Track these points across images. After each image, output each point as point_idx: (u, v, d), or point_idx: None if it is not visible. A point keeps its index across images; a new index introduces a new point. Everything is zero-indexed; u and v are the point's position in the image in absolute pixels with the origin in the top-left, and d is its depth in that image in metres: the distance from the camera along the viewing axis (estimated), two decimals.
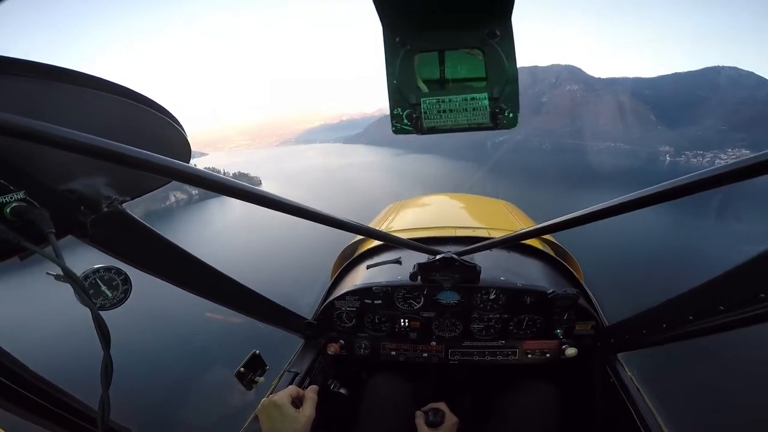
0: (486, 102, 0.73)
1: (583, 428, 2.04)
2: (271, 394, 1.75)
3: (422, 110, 0.74)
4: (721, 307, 1.12)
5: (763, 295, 0.96)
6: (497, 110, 0.74)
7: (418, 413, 1.88)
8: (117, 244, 1.03)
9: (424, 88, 0.74)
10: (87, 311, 0.73)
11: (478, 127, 0.75)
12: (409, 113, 0.76)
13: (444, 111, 0.74)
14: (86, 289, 0.77)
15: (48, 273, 0.78)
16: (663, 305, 1.46)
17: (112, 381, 0.73)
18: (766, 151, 0.60)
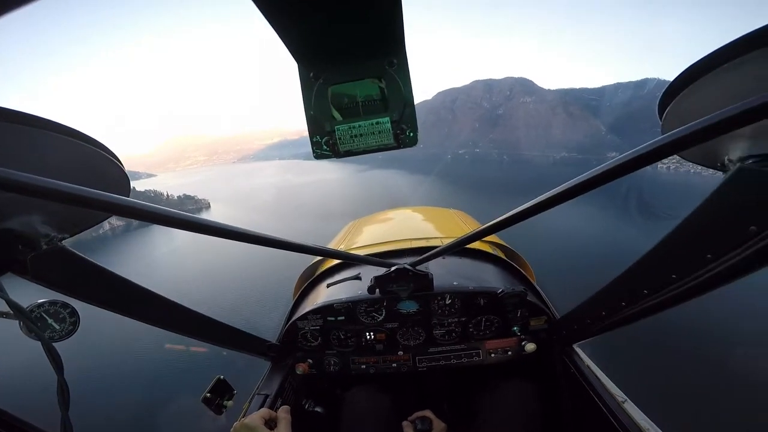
0: (388, 125, 0.80)
1: (555, 418, 2.10)
2: (242, 416, 1.78)
3: (337, 137, 0.81)
4: (645, 291, 1.18)
5: (674, 275, 1.03)
6: (398, 131, 0.82)
7: (406, 423, 1.90)
8: (60, 279, 1.03)
9: (337, 116, 0.81)
10: (31, 345, 0.74)
11: (386, 147, 0.83)
12: (327, 140, 0.82)
13: (355, 136, 0.81)
14: (34, 320, 0.79)
15: None
16: (598, 293, 1.50)
17: (75, 409, 0.75)
18: (643, 145, 0.67)
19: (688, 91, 0.78)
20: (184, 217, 0.87)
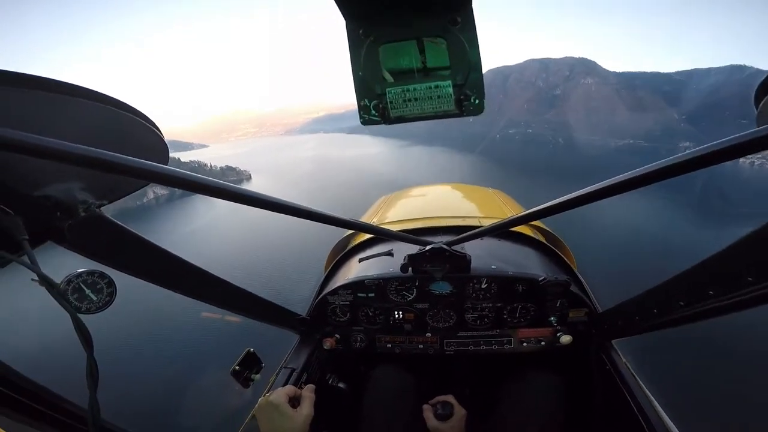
0: (450, 89, 0.72)
1: (583, 416, 2.05)
2: (268, 390, 1.81)
3: (388, 100, 0.74)
4: (711, 292, 1.10)
5: (750, 278, 0.94)
6: (462, 97, 0.74)
7: (426, 407, 1.88)
8: (97, 248, 1.02)
9: (389, 78, 0.74)
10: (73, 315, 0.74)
11: (445, 115, 0.76)
12: (376, 104, 0.76)
13: (409, 100, 0.74)
14: (64, 293, 0.78)
15: (33, 279, 0.80)
16: (653, 290, 1.44)
17: (107, 381, 0.75)
18: (731, 137, 0.60)
19: None
20: (220, 185, 0.85)
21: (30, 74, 0.68)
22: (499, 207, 3.66)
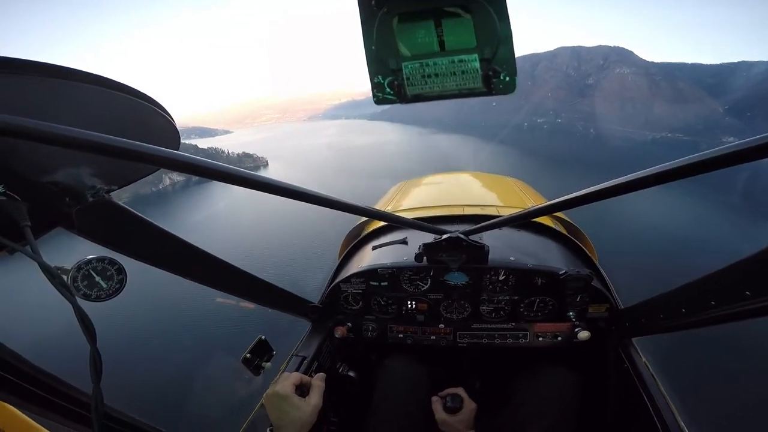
0: (476, 63, 0.64)
1: (597, 414, 2.01)
2: (278, 378, 1.80)
3: (404, 76, 0.66)
4: (748, 293, 1.05)
5: None
6: (490, 73, 0.65)
7: (435, 399, 1.87)
8: (106, 233, 1.01)
9: (405, 51, 0.66)
10: (87, 303, 0.73)
11: (470, 93, 0.67)
12: (391, 81, 0.68)
13: (429, 76, 0.65)
14: (65, 283, 0.76)
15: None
16: (682, 288, 1.39)
17: (117, 368, 0.91)
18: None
19: None
20: (231, 170, 0.84)
21: (38, 61, 0.67)
22: (518, 196, 3.56)
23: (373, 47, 0.66)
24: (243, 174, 0.86)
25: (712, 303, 1.22)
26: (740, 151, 0.62)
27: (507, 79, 0.66)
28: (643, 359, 1.79)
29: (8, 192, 0.75)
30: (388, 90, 0.69)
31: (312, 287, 2.47)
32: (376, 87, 0.69)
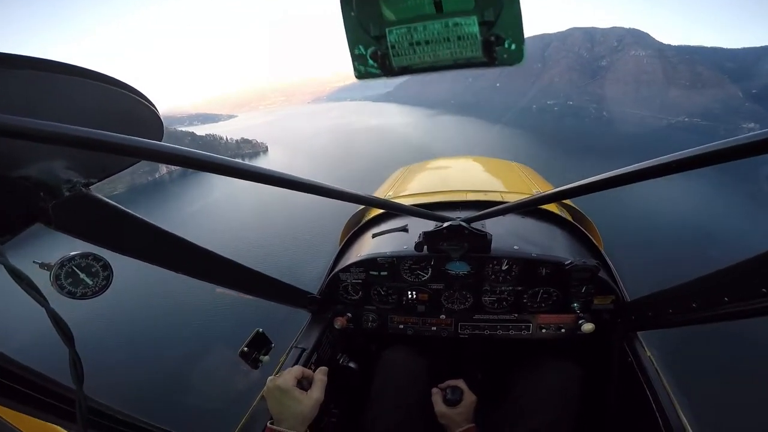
0: (475, 28, 0.52)
1: (599, 408, 2.00)
2: (278, 370, 1.83)
3: (389, 44, 0.55)
4: (764, 289, 1.03)
5: None
6: (492, 39, 0.53)
7: (435, 390, 1.87)
8: (86, 228, 0.98)
9: (389, 15, 0.54)
10: (79, 300, 0.70)
11: (468, 63, 0.56)
12: (374, 51, 0.56)
13: (418, 43, 0.54)
14: (34, 285, 0.73)
15: (35, 261, 0.76)
16: (694, 282, 1.37)
17: (108, 365, 0.90)
18: None
19: None
20: (218, 160, 0.81)
21: (7, 53, 0.63)
22: (523, 182, 3.44)
23: (353, 12, 0.55)
24: (232, 164, 0.83)
25: (726, 299, 1.19)
26: (754, 142, 0.57)
27: (513, 47, 0.54)
28: (648, 353, 1.76)
29: None
30: (371, 62, 0.58)
31: (309, 278, 2.39)
32: (356, 59, 0.58)
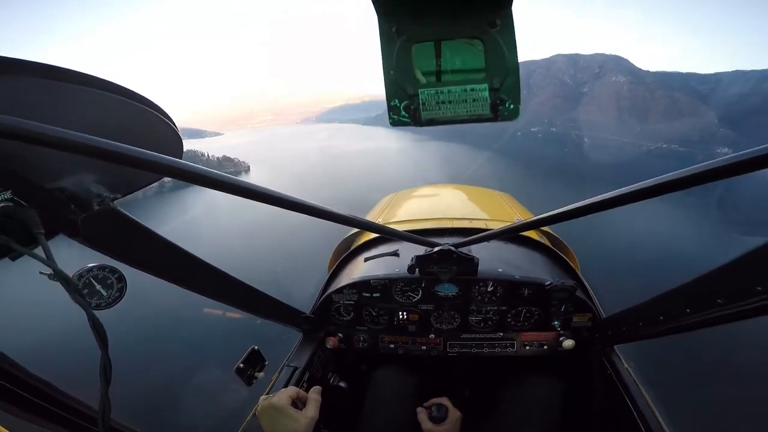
0: (486, 93, 0.70)
1: (583, 420, 2.09)
2: (270, 388, 1.89)
3: (420, 101, 0.72)
4: (719, 300, 1.11)
5: (760, 288, 0.97)
6: (498, 101, 0.72)
7: (420, 409, 1.92)
8: (110, 242, 1.02)
9: (422, 79, 0.72)
10: (82, 310, 0.75)
11: (479, 119, 0.74)
12: (407, 105, 0.73)
13: (443, 102, 0.71)
14: (80, 290, 0.77)
15: (41, 273, 0.78)
16: (660, 297, 1.47)
17: (111, 379, 0.74)
18: (761, 147, 0.61)
19: None
20: (231, 180, 0.86)
21: (46, 63, 0.67)
22: (506, 210, 3.68)
23: (392, 72, 0.71)
24: (241, 184, 0.88)
25: (687, 310, 1.29)
26: (730, 164, 0.64)
27: (512, 106, 0.73)
28: (626, 366, 1.88)
29: (15, 198, 0.74)
30: (403, 113, 0.74)
31: (300, 298, 2.48)
32: (392, 109, 0.75)
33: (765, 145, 0.61)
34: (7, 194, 0.73)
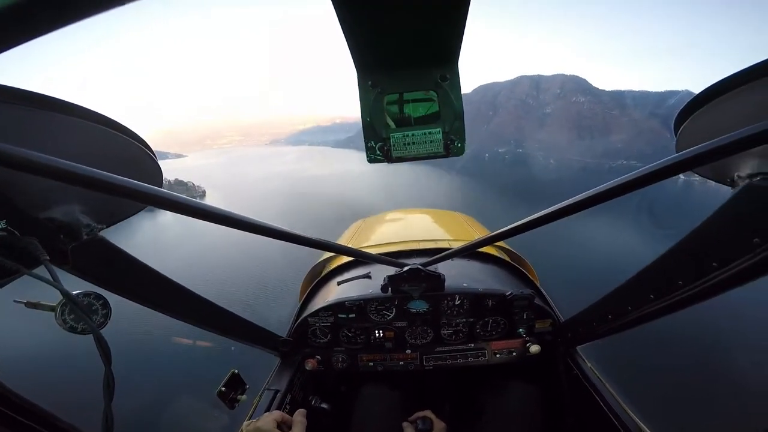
0: (440, 135, 0.87)
1: (558, 420, 2.19)
2: (252, 412, 1.91)
3: (391, 143, 0.88)
4: (651, 296, 1.26)
5: (681, 282, 1.09)
6: (448, 141, 0.88)
7: (406, 424, 1.97)
8: (97, 270, 1.05)
9: (392, 124, 0.88)
10: (48, 336, 0.84)
11: (435, 156, 0.90)
12: (381, 146, 0.89)
13: (408, 144, 0.88)
14: (88, 312, 0.81)
15: (16, 301, 0.81)
16: (605, 298, 1.60)
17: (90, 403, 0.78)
18: (662, 161, 0.73)
19: (702, 112, 0.85)
20: (215, 210, 0.92)
21: (36, 92, 0.70)
22: (466, 230, 3.92)
23: (368, 118, 0.87)
24: (231, 215, 0.95)
25: (629, 308, 1.42)
26: (648, 174, 0.76)
27: (459, 145, 0.90)
28: (589, 365, 2.01)
29: (8, 228, 0.77)
30: (378, 153, 0.90)
31: (272, 322, 2.58)
32: (369, 150, 0.90)
33: (671, 156, 0.72)
34: (2, 224, 0.76)
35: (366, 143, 0.90)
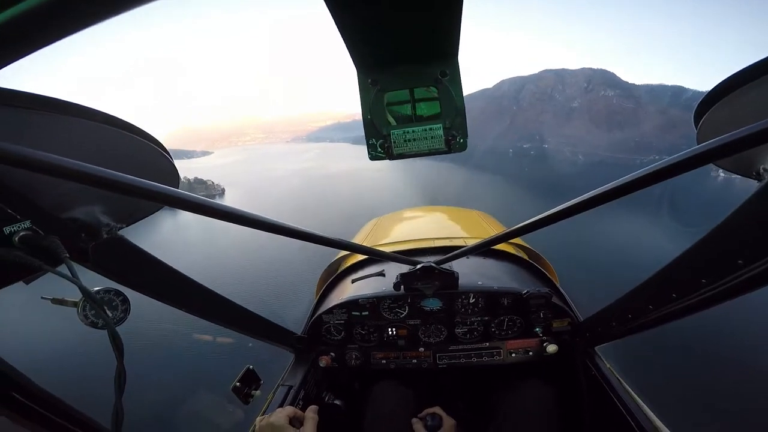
0: (441, 131, 0.87)
1: (574, 421, 2.17)
2: (266, 408, 1.95)
3: (392, 140, 0.88)
4: (674, 295, 1.22)
5: (704, 280, 1.06)
6: (450, 137, 0.88)
7: (415, 420, 1.98)
8: (116, 268, 1.09)
9: (392, 121, 0.88)
10: (67, 332, 1.00)
11: (436, 152, 0.90)
12: (382, 143, 0.89)
13: (409, 140, 0.88)
14: (105, 309, 0.85)
15: (43, 297, 0.84)
16: (626, 297, 1.55)
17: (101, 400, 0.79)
18: (682, 153, 0.69)
19: (724, 102, 0.82)
20: (231, 210, 0.94)
21: (57, 98, 0.73)
22: (482, 227, 3.86)
23: (369, 116, 0.88)
24: (248, 215, 0.97)
25: (650, 307, 1.38)
26: (667, 167, 0.73)
27: (461, 140, 0.89)
28: (608, 365, 1.96)
29: (33, 227, 0.81)
30: (379, 150, 0.90)
31: (287, 320, 2.59)
32: (370, 147, 0.91)
33: (691, 148, 0.69)
34: (27, 223, 0.81)
35: (367, 141, 0.91)
